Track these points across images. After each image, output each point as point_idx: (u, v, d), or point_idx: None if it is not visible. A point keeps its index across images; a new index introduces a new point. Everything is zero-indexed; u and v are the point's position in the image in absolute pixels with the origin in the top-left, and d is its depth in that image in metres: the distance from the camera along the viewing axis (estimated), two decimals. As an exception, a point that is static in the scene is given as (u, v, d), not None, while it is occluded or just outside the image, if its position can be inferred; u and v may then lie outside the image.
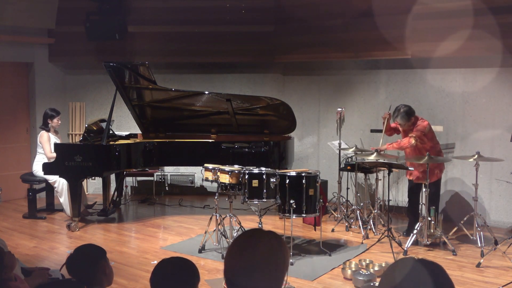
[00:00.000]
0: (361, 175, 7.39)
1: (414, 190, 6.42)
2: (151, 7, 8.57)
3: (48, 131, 7.30)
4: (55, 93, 8.88)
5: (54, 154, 7.01)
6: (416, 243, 6.02)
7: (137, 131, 7.91)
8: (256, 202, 5.62)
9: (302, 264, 5.52)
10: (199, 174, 7.54)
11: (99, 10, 8.32)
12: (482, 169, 6.48)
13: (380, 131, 7.54)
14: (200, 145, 7.38)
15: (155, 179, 8.76)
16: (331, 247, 6.01)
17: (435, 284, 1.47)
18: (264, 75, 8.90)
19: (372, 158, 6.29)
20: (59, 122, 7.41)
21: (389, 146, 6.35)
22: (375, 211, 6.70)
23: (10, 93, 8.58)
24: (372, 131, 7.68)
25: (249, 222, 6.82)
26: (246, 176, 5.56)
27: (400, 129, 6.40)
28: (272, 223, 7.11)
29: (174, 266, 2.28)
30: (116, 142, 7.23)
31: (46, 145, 7.19)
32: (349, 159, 7.29)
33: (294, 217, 5.65)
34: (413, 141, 6.10)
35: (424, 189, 5.93)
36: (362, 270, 5.10)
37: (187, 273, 2.28)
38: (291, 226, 5.82)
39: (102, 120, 7.47)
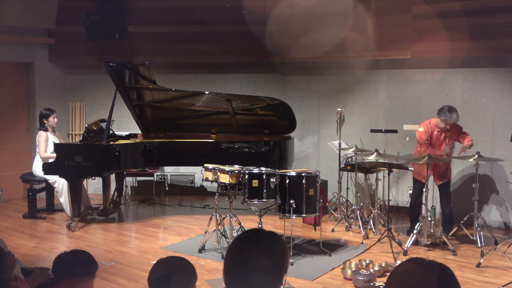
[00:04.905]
0: (361, 175, 7.39)
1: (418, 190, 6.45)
2: (151, 7, 8.57)
3: (46, 130, 7.30)
4: (55, 93, 8.88)
5: (48, 154, 7.05)
6: (416, 243, 6.01)
7: (137, 131, 7.91)
8: (256, 202, 5.61)
9: (302, 264, 5.51)
10: (199, 174, 7.54)
11: (99, 10, 8.32)
12: (482, 169, 6.48)
13: (380, 131, 7.56)
14: (200, 145, 7.38)
15: (155, 179, 8.76)
16: (331, 247, 6.01)
17: (443, 286, 1.47)
18: (264, 75, 8.89)
19: (372, 158, 6.29)
20: (55, 120, 7.39)
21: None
22: (375, 211, 6.70)
23: (10, 93, 8.58)
24: (372, 131, 7.68)
25: (249, 222, 6.81)
26: (246, 176, 5.55)
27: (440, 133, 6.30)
28: (272, 223, 7.11)
29: (171, 265, 2.29)
30: (116, 142, 7.23)
31: (41, 145, 7.19)
32: (349, 159, 7.29)
33: (294, 217, 5.65)
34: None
35: (424, 189, 5.94)
36: (362, 270, 5.10)
37: (184, 272, 2.29)
38: (291, 226, 5.82)
39: (102, 120, 7.47)
